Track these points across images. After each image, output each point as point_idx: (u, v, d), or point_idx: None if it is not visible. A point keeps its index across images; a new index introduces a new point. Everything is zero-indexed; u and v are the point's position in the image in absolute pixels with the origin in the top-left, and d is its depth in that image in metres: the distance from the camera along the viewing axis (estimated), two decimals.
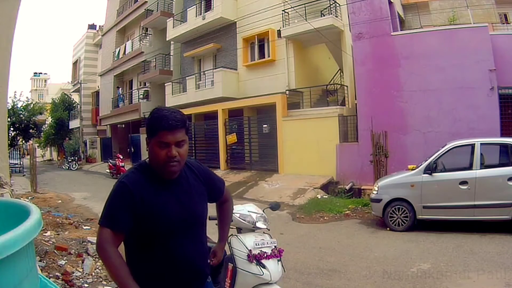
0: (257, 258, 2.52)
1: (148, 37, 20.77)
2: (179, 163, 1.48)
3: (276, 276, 2.54)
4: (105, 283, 3.86)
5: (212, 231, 2.08)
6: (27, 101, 25.14)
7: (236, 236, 2.73)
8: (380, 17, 10.12)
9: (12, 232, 0.96)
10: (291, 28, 12.98)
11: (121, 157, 17.21)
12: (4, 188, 3.44)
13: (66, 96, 30.07)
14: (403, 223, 6.27)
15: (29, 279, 1.07)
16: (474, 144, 6.00)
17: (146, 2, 20.34)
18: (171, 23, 17.83)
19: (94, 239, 4.61)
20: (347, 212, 7.98)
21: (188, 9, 16.94)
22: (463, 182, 5.84)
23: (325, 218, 7.70)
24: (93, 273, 4.06)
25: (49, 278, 3.04)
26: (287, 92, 12.87)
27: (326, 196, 9.49)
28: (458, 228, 5.89)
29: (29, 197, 9.79)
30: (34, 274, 1.20)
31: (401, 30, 11.33)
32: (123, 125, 22.87)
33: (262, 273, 2.49)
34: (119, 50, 22.85)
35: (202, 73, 16.50)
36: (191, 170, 1.63)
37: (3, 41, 3.47)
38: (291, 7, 12.72)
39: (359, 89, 10.70)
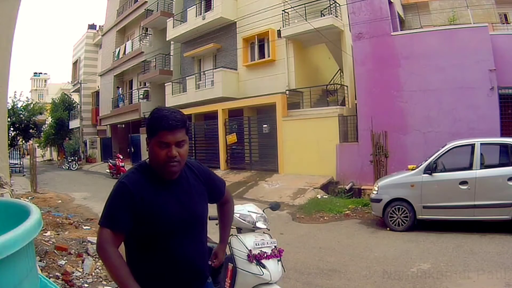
0: (257, 258, 2.52)
1: (148, 37, 20.76)
2: (179, 163, 1.48)
3: (276, 276, 2.53)
4: (105, 283, 3.86)
5: (212, 231, 2.08)
6: (27, 101, 25.18)
7: (236, 236, 2.72)
8: (380, 17, 10.12)
9: (12, 232, 0.96)
10: (291, 28, 12.98)
11: (121, 157, 17.21)
12: (4, 188, 3.44)
13: (66, 96, 30.06)
14: (403, 223, 6.27)
15: (29, 279, 1.07)
16: (474, 144, 6.00)
17: (146, 2, 20.34)
18: (171, 23, 17.83)
19: (94, 239, 4.63)
20: (347, 212, 7.99)
21: (188, 9, 16.93)
22: (463, 182, 5.84)
23: (325, 218, 7.70)
24: (93, 273, 4.06)
25: (49, 278, 3.04)
26: (287, 92, 12.87)
27: (326, 196, 9.50)
28: (458, 228, 5.90)
29: (29, 197, 9.78)
30: (34, 274, 1.20)
31: (401, 30, 11.33)
32: (123, 125, 22.87)
33: (262, 273, 2.48)
34: (119, 50, 22.85)
35: (202, 73, 16.50)
36: (191, 170, 1.63)
37: (3, 41, 3.47)
38: (291, 7, 12.71)
39: (359, 89, 10.70)
